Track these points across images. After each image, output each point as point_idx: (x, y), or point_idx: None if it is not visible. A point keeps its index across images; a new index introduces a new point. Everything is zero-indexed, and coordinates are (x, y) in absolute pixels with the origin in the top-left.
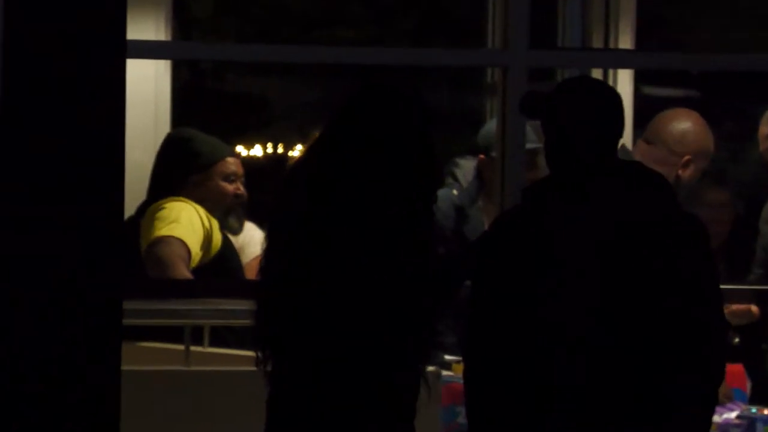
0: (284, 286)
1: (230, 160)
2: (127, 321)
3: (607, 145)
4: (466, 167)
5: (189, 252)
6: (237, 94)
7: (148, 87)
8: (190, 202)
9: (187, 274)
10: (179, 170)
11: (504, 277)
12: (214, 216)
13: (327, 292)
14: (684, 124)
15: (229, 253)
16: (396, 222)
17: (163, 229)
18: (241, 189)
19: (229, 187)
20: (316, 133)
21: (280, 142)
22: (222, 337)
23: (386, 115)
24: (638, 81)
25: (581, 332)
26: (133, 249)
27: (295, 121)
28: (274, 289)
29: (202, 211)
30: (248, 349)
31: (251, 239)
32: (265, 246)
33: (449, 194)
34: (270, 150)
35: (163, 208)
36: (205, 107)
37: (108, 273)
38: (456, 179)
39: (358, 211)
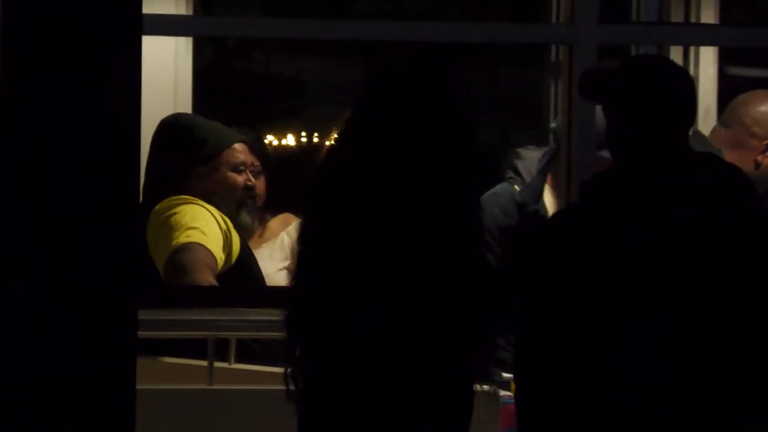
0: (319, 293)
1: (238, 147)
2: (142, 333)
3: (677, 133)
4: (529, 159)
5: (215, 260)
6: (266, 76)
7: (166, 68)
8: (201, 202)
9: (213, 283)
10: (181, 163)
11: (562, 283)
12: (223, 212)
13: (366, 300)
14: (765, 105)
15: (248, 258)
16: (436, 218)
17: (180, 237)
18: (252, 180)
19: (239, 179)
20: (344, 119)
21: (316, 129)
22: (250, 351)
23: (412, 94)
24: (723, 60)
25: (658, 345)
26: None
27: (332, 105)
28: (307, 297)
29: (216, 212)
30: (278, 365)
31: (282, 243)
32: (297, 248)
33: (510, 189)
34: (304, 138)
35: (175, 212)
36: (230, 91)
37: (121, 278)
38: (518, 173)
39: (394, 208)
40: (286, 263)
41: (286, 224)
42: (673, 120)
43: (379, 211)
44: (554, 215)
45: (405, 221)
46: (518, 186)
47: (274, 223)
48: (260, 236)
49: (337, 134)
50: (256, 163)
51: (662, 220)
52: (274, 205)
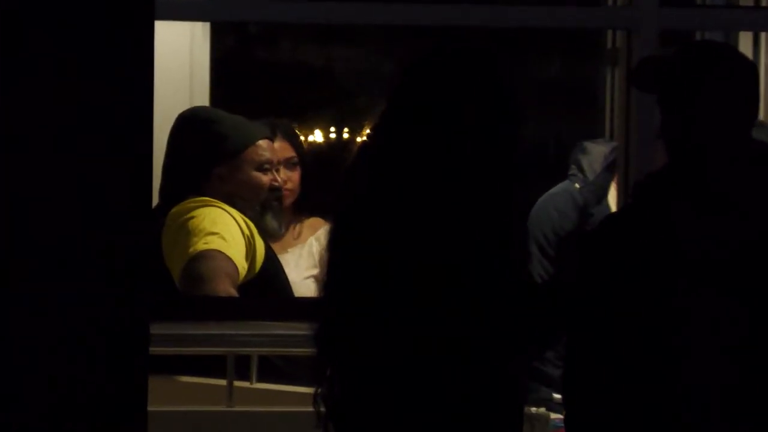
0: (351, 306)
1: (262, 143)
2: (155, 349)
3: (740, 131)
4: (595, 154)
5: (237, 269)
6: (292, 65)
7: (181, 57)
8: (222, 204)
9: (234, 294)
10: (201, 161)
11: (618, 294)
12: (248, 216)
13: (404, 315)
14: None
15: (273, 266)
16: (479, 226)
17: (198, 244)
18: (278, 179)
19: (264, 179)
20: (378, 112)
21: (347, 124)
22: (274, 369)
23: (453, 85)
24: None
25: (726, 365)
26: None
27: (366, 97)
28: (338, 311)
29: (238, 215)
30: (306, 385)
31: (310, 250)
32: (326, 256)
33: (570, 189)
34: (333, 135)
35: (192, 216)
36: (252, 82)
37: (132, 289)
38: (581, 170)
39: (434, 213)
40: (315, 271)
41: (315, 228)
42: (735, 115)
43: (418, 216)
44: (606, 219)
45: (446, 228)
46: (579, 184)
47: (303, 227)
48: (296, 238)
49: (371, 129)
50: (291, 153)
51: (728, 228)
52: (303, 207)
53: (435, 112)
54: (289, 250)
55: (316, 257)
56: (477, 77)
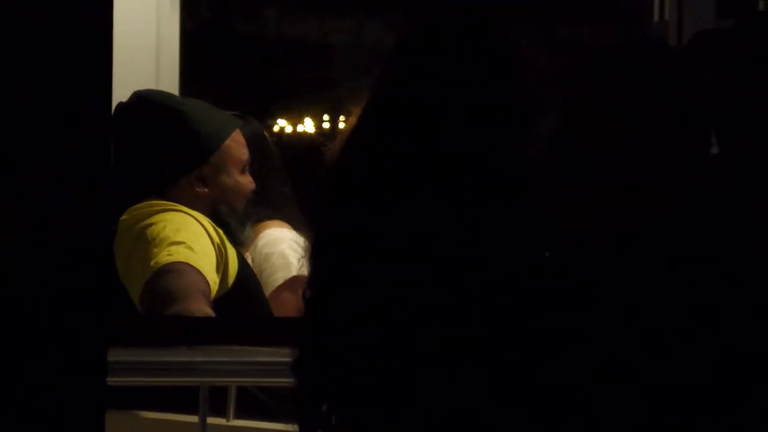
0: (345, 328)
1: (237, 137)
2: (113, 380)
3: None
4: None
5: (208, 283)
6: (278, 42)
7: (147, 32)
8: (185, 208)
9: (209, 313)
10: (170, 160)
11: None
12: (232, 224)
13: (399, 335)
14: None
15: (248, 279)
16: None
17: (161, 256)
18: (252, 180)
19: (246, 180)
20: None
21: (342, 112)
22: (256, 403)
23: (453, 65)
24: None
25: None
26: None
27: (368, 80)
28: (323, 331)
29: (206, 221)
30: (291, 421)
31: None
32: (307, 268)
33: None
34: (327, 124)
35: (152, 223)
36: (229, 61)
37: (83, 309)
38: None
39: (438, 216)
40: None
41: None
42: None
43: (419, 219)
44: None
45: (452, 233)
46: None
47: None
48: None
49: (357, 118)
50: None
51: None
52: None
53: (429, 102)
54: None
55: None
56: (486, 56)
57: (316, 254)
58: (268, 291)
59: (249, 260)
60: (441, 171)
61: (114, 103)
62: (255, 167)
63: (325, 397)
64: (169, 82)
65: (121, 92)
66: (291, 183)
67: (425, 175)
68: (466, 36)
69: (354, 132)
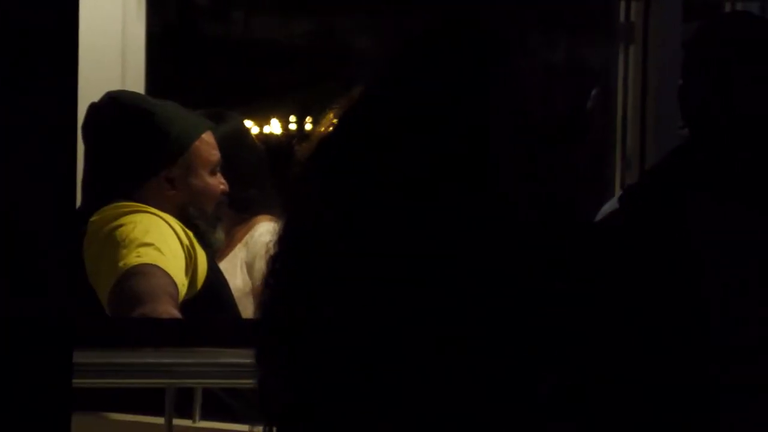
0: (295, 329)
1: (207, 138)
2: (79, 382)
3: None
4: None
5: (176, 286)
6: (246, 43)
7: (112, 33)
8: (155, 210)
9: (176, 315)
10: (141, 163)
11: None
12: (201, 227)
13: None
14: None
15: (217, 281)
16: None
17: (130, 258)
18: (225, 182)
19: (215, 182)
20: (345, 103)
21: (311, 112)
22: (222, 406)
23: (455, 74)
24: None
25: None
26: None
27: (337, 82)
28: (280, 334)
29: (175, 222)
30: (258, 423)
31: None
32: (266, 268)
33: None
34: (294, 126)
35: (120, 224)
36: (196, 62)
37: (49, 310)
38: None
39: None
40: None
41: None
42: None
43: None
44: (608, 217)
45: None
46: None
47: (241, 232)
48: (227, 246)
49: (337, 120)
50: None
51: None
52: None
53: (423, 110)
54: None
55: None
56: (485, 63)
57: (276, 257)
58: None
59: (243, 249)
60: (424, 171)
61: (79, 104)
62: (240, 162)
63: (298, 392)
64: (135, 83)
65: (86, 93)
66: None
67: (408, 171)
68: (470, 41)
69: (332, 137)
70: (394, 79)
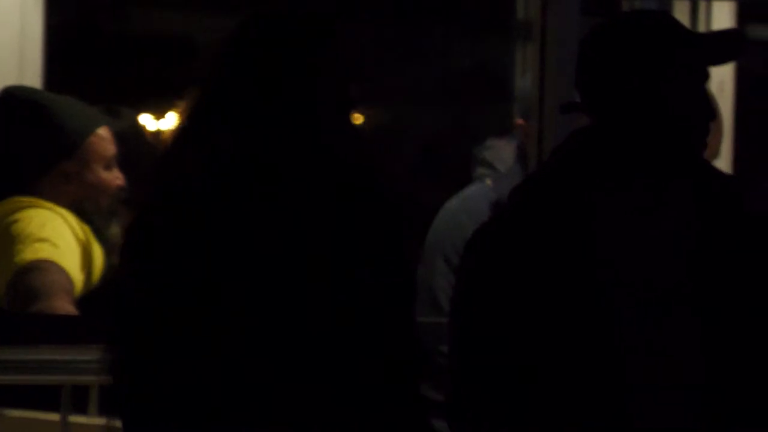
0: (145, 326)
1: (103, 133)
2: None
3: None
4: (503, 150)
5: (72, 281)
6: (145, 38)
7: (10, 27)
8: (51, 205)
9: (72, 311)
10: (36, 157)
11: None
12: (96, 222)
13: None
14: None
15: (114, 277)
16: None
17: (26, 253)
18: (121, 177)
19: (110, 177)
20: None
21: None
22: (116, 401)
23: (267, 64)
24: (743, 17)
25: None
26: None
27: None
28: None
29: (71, 218)
30: None
31: None
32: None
33: (483, 188)
34: None
35: (15, 220)
36: (94, 56)
37: None
38: (490, 166)
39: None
40: None
41: None
42: (674, 101)
43: (267, 218)
44: (495, 216)
45: (301, 233)
46: (491, 181)
47: None
48: None
49: (189, 114)
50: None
51: (665, 232)
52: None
53: (250, 105)
54: None
55: None
56: (301, 56)
57: (125, 250)
58: None
59: None
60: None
61: None
62: (136, 159)
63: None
64: (33, 78)
65: None
66: None
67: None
68: (290, 33)
69: (186, 130)
70: (216, 75)
